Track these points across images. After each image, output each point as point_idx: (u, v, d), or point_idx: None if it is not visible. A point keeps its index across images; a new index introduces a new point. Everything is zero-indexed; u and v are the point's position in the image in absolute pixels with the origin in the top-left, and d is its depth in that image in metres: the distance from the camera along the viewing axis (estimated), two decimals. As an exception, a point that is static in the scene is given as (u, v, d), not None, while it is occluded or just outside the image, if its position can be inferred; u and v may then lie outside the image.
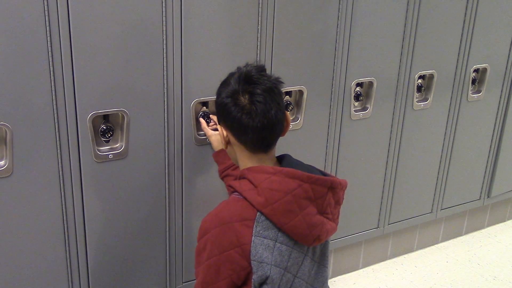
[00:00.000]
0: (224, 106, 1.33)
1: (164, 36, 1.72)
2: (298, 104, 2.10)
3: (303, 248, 1.31)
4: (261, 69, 1.35)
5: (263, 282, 1.26)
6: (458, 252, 2.90)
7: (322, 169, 1.43)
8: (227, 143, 1.40)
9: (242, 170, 1.35)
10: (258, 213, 1.25)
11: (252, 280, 1.26)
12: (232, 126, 1.34)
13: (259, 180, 1.27)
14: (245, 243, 1.24)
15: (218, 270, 1.26)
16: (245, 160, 1.37)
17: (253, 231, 1.24)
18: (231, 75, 1.37)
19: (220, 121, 1.39)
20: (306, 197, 1.26)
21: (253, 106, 1.29)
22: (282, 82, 1.37)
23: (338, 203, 1.37)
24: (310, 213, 1.27)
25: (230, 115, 1.31)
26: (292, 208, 1.25)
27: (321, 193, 1.29)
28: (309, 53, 2.06)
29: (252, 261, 1.24)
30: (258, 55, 1.92)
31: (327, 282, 1.44)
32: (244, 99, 1.30)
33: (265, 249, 1.24)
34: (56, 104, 1.61)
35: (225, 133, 1.37)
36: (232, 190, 1.34)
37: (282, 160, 1.39)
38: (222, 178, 1.79)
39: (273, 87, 1.32)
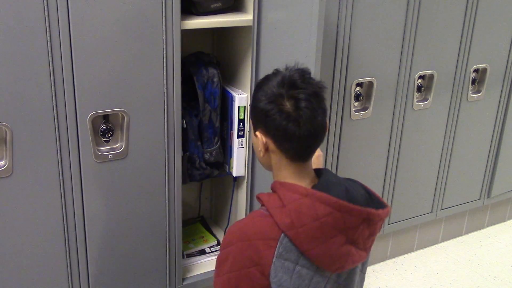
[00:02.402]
0: (266, 113, 1.22)
1: (164, 36, 1.72)
2: (298, 104, 2.10)
3: (326, 272, 1.23)
4: (305, 72, 1.26)
5: None
6: (458, 252, 2.90)
7: (365, 185, 1.31)
8: (265, 150, 1.29)
9: (275, 182, 1.28)
10: (282, 234, 1.18)
11: None
12: (275, 134, 1.23)
13: (289, 199, 1.20)
14: (266, 264, 1.19)
15: (238, 286, 1.22)
16: (281, 168, 1.28)
17: (275, 252, 1.18)
18: (268, 78, 1.27)
19: (258, 127, 1.27)
20: (335, 227, 1.18)
21: (300, 113, 1.19)
22: (326, 87, 1.27)
23: (372, 234, 1.26)
24: (337, 243, 1.19)
25: (274, 123, 1.21)
26: (318, 236, 1.17)
27: (354, 224, 1.19)
28: (309, 53, 2.06)
29: (271, 283, 1.20)
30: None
31: None
32: (289, 105, 1.20)
33: (285, 272, 1.19)
34: (56, 104, 1.61)
35: (264, 139, 1.26)
36: (260, 202, 1.28)
37: (321, 175, 1.29)
38: None
39: (318, 92, 1.23)
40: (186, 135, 1.97)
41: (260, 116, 1.25)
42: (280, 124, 1.20)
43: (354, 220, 1.19)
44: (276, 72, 1.27)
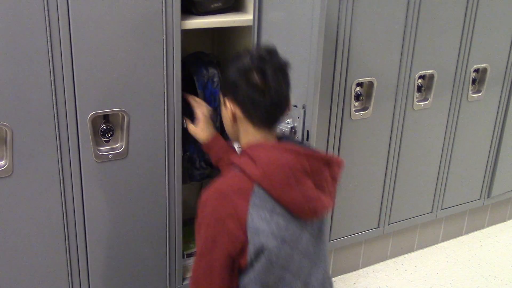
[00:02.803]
0: (236, 83, 1.35)
1: (164, 36, 1.72)
2: (298, 104, 2.10)
3: (301, 223, 1.34)
4: (272, 49, 1.39)
5: (259, 252, 1.27)
6: (458, 252, 2.90)
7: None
8: (233, 119, 1.40)
9: (244, 147, 1.39)
10: (256, 186, 1.28)
11: (248, 251, 1.27)
12: (242, 103, 1.36)
13: (258, 154, 1.31)
14: (241, 214, 1.26)
15: (215, 240, 1.28)
16: (249, 136, 1.40)
17: (250, 203, 1.27)
18: (239, 55, 1.40)
19: (227, 96, 1.39)
20: (302, 171, 1.30)
21: (266, 84, 1.32)
22: (290, 64, 1.41)
23: (334, 179, 1.40)
24: (307, 187, 1.31)
25: (242, 92, 1.34)
26: (289, 181, 1.28)
27: (318, 168, 1.34)
28: (309, 53, 2.06)
29: (248, 231, 1.26)
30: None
31: (326, 259, 1.46)
32: (256, 77, 1.33)
33: (261, 220, 1.27)
34: (56, 104, 1.61)
35: (232, 108, 1.38)
36: (233, 165, 1.38)
37: (282, 139, 1.45)
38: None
39: (283, 67, 1.37)
40: (186, 136, 1.97)
41: (230, 87, 1.38)
42: (248, 93, 1.34)
43: (318, 164, 1.34)
44: (247, 51, 1.40)
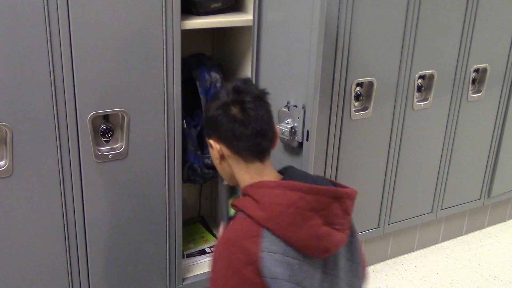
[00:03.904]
0: (216, 119, 1.32)
1: (164, 36, 1.72)
2: (298, 104, 2.10)
3: (314, 261, 1.28)
4: (246, 80, 1.37)
5: None
6: (458, 252, 2.90)
7: (332, 179, 1.39)
8: (221, 158, 1.37)
9: (244, 187, 1.33)
10: (263, 229, 1.22)
11: None
12: (225, 137, 1.32)
13: (261, 195, 1.26)
14: (255, 260, 1.21)
15: None
16: (242, 173, 1.35)
17: (260, 247, 1.21)
18: (217, 92, 1.38)
19: (211, 136, 1.36)
20: (309, 209, 1.24)
21: (245, 114, 1.29)
22: (268, 93, 1.37)
23: (346, 213, 1.32)
24: (316, 225, 1.24)
25: (222, 127, 1.31)
26: (296, 221, 1.22)
27: (326, 203, 1.26)
28: (309, 53, 2.06)
29: (265, 278, 1.20)
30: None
31: None
32: (235, 109, 1.30)
33: (276, 264, 1.21)
34: (56, 104, 1.61)
35: (218, 146, 1.34)
36: (236, 209, 1.33)
37: (284, 172, 1.37)
38: None
39: (261, 95, 1.34)
40: (185, 146, 1.96)
41: (211, 124, 1.34)
42: (228, 126, 1.30)
43: (325, 200, 1.25)
44: (222, 87, 1.38)
